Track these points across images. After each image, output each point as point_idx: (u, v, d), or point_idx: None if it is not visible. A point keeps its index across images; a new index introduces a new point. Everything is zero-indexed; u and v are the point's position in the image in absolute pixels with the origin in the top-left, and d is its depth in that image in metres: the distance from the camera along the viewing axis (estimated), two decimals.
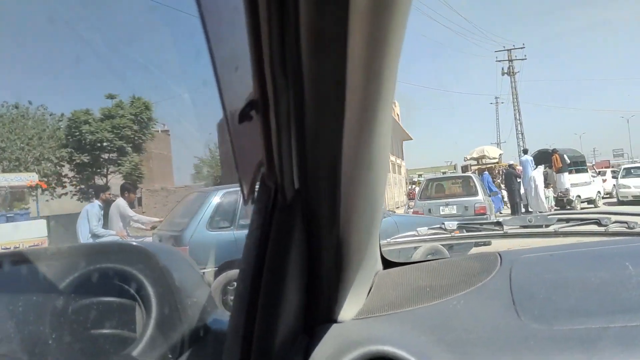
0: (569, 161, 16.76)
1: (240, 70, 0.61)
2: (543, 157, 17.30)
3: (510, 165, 17.12)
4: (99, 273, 0.85)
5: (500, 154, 20.55)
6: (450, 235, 1.42)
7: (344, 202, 0.76)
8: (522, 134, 38.90)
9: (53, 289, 0.84)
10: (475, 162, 22.52)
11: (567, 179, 16.30)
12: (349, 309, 0.89)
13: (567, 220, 1.41)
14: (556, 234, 1.38)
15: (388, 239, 1.41)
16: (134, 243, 0.96)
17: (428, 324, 0.82)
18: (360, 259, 0.87)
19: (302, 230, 0.77)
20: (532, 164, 15.65)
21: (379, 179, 0.78)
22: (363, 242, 0.85)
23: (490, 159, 20.12)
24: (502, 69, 38.49)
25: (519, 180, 15.60)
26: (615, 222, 1.36)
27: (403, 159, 31.68)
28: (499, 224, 1.42)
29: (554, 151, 16.91)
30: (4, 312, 0.81)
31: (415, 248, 1.50)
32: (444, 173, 22.54)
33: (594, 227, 1.36)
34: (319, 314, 0.85)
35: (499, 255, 1.03)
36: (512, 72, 38.75)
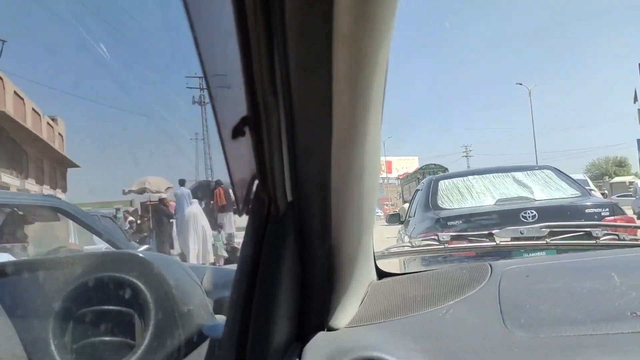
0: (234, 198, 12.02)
1: (233, 89, 0.65)
2: (204, 191, 13.15)
3: (160, 200, 12.39)
4: (99, 282, 0.88)
5: (168, 187, 15.07)
6: (443, 247, 1.44)
7: (334, 215, 0.79)
8: (211, 169, 33.17)
9: (55, 297, 0.87)
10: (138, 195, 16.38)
11: (232, 221, 11.96)
12: (342, 317, 0.91)
13: (559, 233, 1.43)
14: (548, 245, 1.40)
15: (383, 250, 1.44)
16: (132, 252, 0.99)
17: (417, 332, 0.84)
18: (352, 269, 0.90)
19: (295, 241, 0.80)
20: (189, 199, 11.31)
21: (369, 192, 0.81)
22: (354, 253, 0.88)
23: (153, 192, 15.01)
24: (194, 97, 32.25)
25: (172, 220, 11.51)
26: (606, 234, 1.38)
27: (66, 191, 23.08)
28: (490, 235, 1.44)
29: (218, 184, 12.56)
30: (8, 319, 0.85)
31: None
32: (117, 209, 16.91)
33: (585, 239, 1.38)
34: (312, 322, 0.87)
35: (490, 265, 1.05)
36: (203, 102, 32.34)
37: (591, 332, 0.75)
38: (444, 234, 1.45)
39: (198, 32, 0.56)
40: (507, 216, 4.05)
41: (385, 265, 1.27)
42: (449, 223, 4.04)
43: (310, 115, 0.65)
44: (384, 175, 53.07)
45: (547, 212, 4.07)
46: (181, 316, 0.87)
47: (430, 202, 4.61)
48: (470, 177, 4.95)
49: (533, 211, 4.03)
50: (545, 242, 1.39)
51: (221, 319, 0.96)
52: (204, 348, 0.87)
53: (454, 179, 4.94)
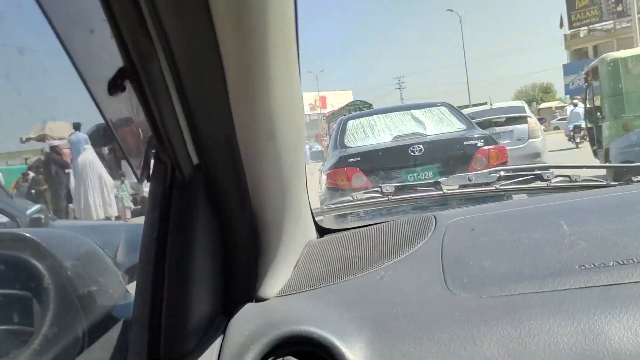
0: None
1: (98, 33, 0.53)
2: (106, 135, 10.57)
3: (52, 149, 10.38)
4: None
5: (72, 133, 11.24)
6: (387, 199, 1.37)
7: (250, 176, 0.70)
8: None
9: None
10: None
11: None
12: (272, 285, 0.84)
13: (509, 177, 1.37)
14: (497, 191, 1.35)
15: (322, 206, 1.36)
16: (20, 232, 0.86)
17: (352, 298, 0.77)
18: (280, 231, 0.82)
19: (207, 207, 0.71)
20: (85, 145, 9.49)
21: (288, 145, 0.72)
22: (280, 214, 0.80)
23: (55, 139, 11.98)
24: None
25: (67, 170, 9.88)
26: (558, 175, 1.33)
27: None
28: (437, 184, 1.38)
29: None
30: None
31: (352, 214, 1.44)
32: (26, 159, 14.43)
33: (536, 183, 1.33)
34: (239, 292, 0.80)
35: (434, 217, 0.99)
36: None
37: (537, 289, 0.69)
38: (386, 185, 1.38)
39: None
40: (398, 151, 4.47)
41: (330, 220, 1.20)
42: (349, 160, 4.43)
43: (195, 61, 0.54)
44: (318, 111, 53.64)
45: (431, 146, 4.48)
46: (85, 297, 0.78)
47: (338, 141, 4.98)
48: (374, 117, 5.31)
49: (420, 146, 4.41)
50: (494, 187, 1.34)
51: None
52: (115, 331, 0.78)
53: (360, 119, 5.32)
